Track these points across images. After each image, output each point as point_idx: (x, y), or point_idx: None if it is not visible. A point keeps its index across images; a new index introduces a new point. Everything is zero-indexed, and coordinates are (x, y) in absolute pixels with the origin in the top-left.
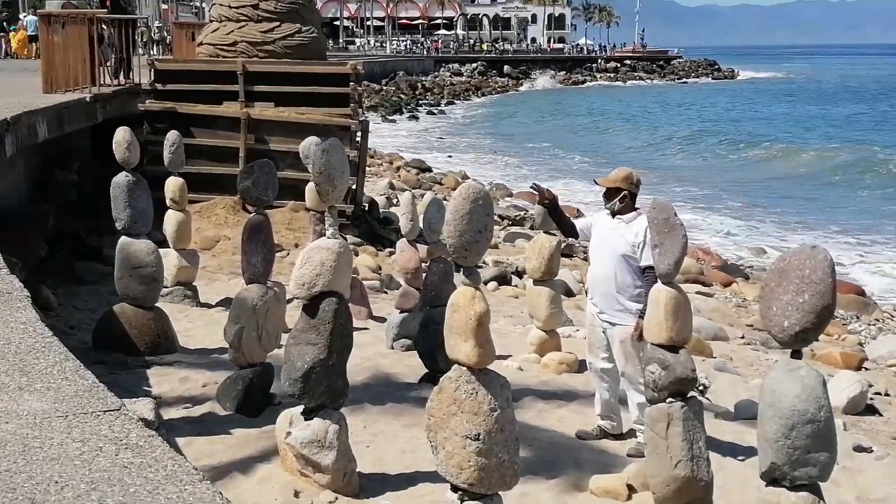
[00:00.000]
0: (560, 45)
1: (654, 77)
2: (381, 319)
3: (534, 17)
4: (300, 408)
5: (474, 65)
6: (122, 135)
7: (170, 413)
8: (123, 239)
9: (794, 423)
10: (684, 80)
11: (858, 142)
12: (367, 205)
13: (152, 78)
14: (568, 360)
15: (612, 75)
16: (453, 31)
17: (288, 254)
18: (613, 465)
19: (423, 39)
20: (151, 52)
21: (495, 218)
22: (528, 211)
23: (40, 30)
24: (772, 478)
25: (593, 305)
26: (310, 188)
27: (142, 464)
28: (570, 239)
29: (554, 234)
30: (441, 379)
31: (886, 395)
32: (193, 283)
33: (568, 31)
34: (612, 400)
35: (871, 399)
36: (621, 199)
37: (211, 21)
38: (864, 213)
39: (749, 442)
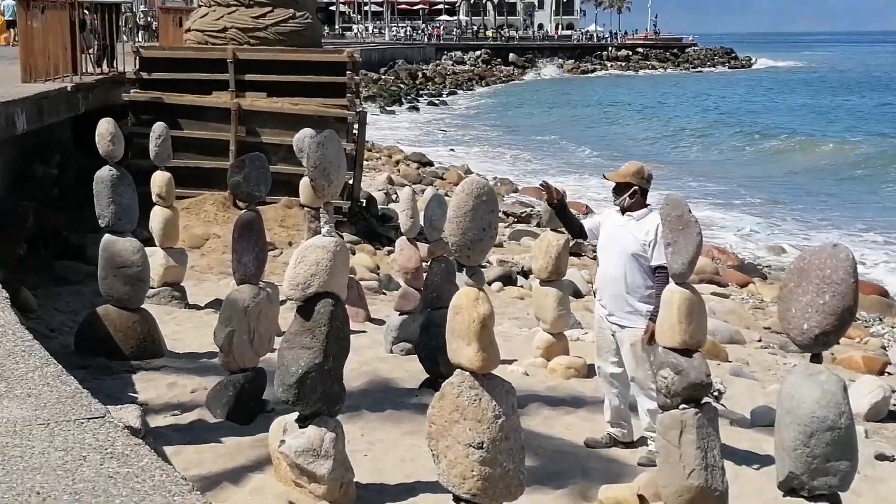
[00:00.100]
0: (568, 32)
1: (667, 66)
2: (380, 322)
3: (541, 3)
4: (294, 415)
5: (478, 53)
6: (105, 126)
7: (157, 420)
8: (107, 237)
9: (814, 430)
10: (699, 69)
11: (885, 135)
12: (364, 201)
13: (137, 66)
14: (576, 364)
15: (623, 64)
16: (456, 17)
17: (281, 253)
18: (623, 474)
19: (423, 26)
20: (136, 39)
21: (500, 215)
22: (534, 207)
23: (18, 15)
24: (790, 487)
25: (602, 307)
26: (304, 183)
27: (128, 474)
28: (578, 240)
29: (562, 232)
30: (443, 384)
31: None
32: (181, 284)
33: (577, 18)
34: (622, 406)
35: (895, 405)
36: (631, 194)
37: (199, 6)
38: (892, 209)
39: (766, 450)
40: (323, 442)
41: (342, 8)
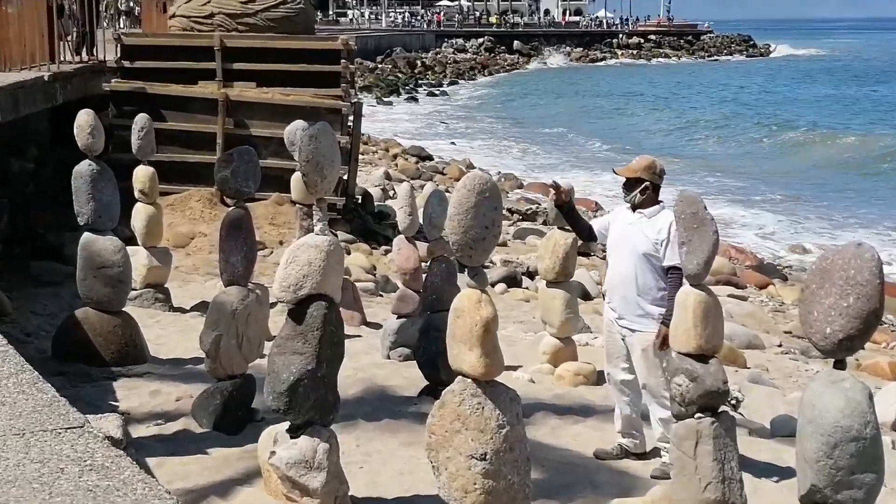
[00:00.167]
0: (576, 18)
1: (681, 54)
2: (377, 326)
3: None
4: (286, 424)
5: (480, 40)
6: (84, 118)
7: (139, 430)
8: (87, 235)
9: (837, 440)
10: (715, 57)
11: None
12: (360, 197)
13: (119, 54)
14: (585, 371)
15: (634, 52)
16: (457, 2)
17: (271, 252)
18: (635, 487)
19: (422, 11)
20: (118, 26)
21: (504, 212)
22: (540, 204)
23: None
24: (812, 502)
25: (611, 310)
26: (296, 179)
27: (108, 487)
28: (588, 242)
29: (570, 230)
30: (443, 392)
31: None
32: (165, 286)
33: (585, 3)
34: (633, 415)
35: None
36: (642, 190)
37: None
38: None
39: (787, 462)
40: (316, 453)
41: None
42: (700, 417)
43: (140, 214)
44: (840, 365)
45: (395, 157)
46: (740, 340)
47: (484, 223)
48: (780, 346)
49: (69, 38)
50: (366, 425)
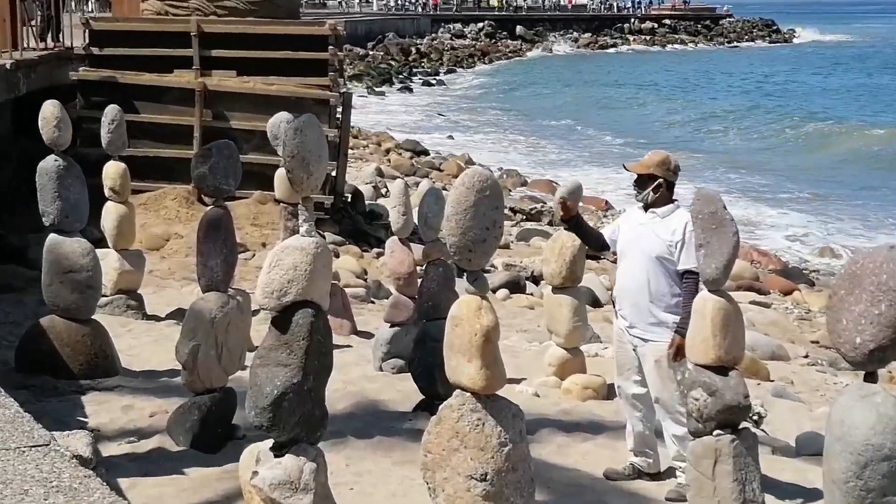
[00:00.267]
0: (584, 1)
1: (698, 40)
2: (368, 335)
3: None
4: (269, 442)
5: (480, 25)
6: (50, 110)
7: (110, 449)
8: (52, 237)
9: (868, 459)
10: (735, 43)
11: None
12: (349, 195)
13: (87, 41)
14: (594, 384)
15: (647, 38)
16: None
17: (253, 255)
18: None
19: None
20: (86, 9)
21: (506, 212)
22: (545, 203)
23: None
24: None
25: (622, 318)
26: (280, 175)
27: None
28: (602, 252)
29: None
30: (440, 407)
31: None
32: (138, 291)
33: None
34: (646, 432)
35: None
36: (655, 188)
37: None
38: None
39: (813, 483)
40: (302, 473)
41: None
42: (719, 435)
43: (110, 214)
44: (871, 378)
45: (387, 151)
46: (763, 351)
47: (484, 223)
48: (806, 357)
49: (33, 22)
50: (356, 443)
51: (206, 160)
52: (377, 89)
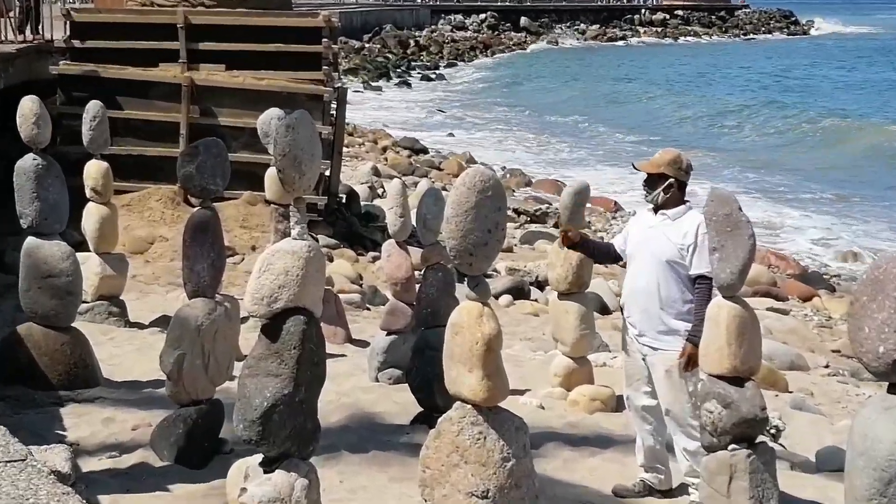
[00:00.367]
0: None
1: (712, 32)
2: (363, 343)
3: None
4: (258, 457)
5: (482, 16)
6: (28, 106)
7: (90, 464)
8: (30, 240)
9: (892, 476)
10: (752, 35)
11: None
12: (344, 196)
13: (68, 33)
14: (602, 395)
15: (659, 30)
16: None
17: (242, 259)
18: None
19: None
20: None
21: (509, 213)
22: (551, 204)
23: None
24: None
25: (631, 326)
26: (270, 175)
27: None
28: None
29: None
30: (439, 420)
31: None
32: (121, 297)
33: None
34: (657, 447)
35: None
36: (666, 188)
37: None
38: None
39: (834, 500)
40: (293, 490)
41: None
42: (734, 449)
43: (92, 216)
44: (895, 389)
45: (384, 149)
46: (781, 360)
47: (486, 226)
48: (826, 366)
49: (11, 14)
50: (350, 458)
51: (193, 159)
52: (374, 84)
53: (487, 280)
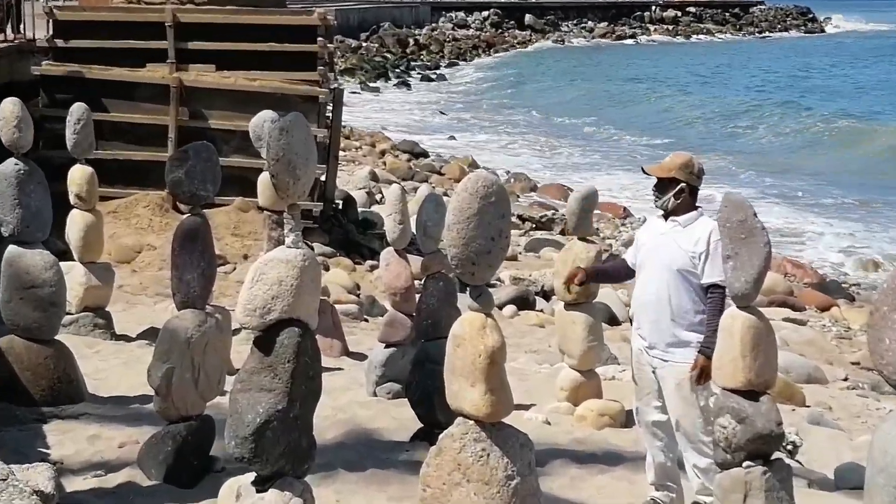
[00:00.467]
0: None
1: (726, 30)
2: (361, 356)
3: None
4: (251, 476)
5: (485, 14)
6: (9, 109)
7: (75, 483)
8: (12, 249)
9: None
10: (767, 33)
11: None
12: (340, 202)
13: (51, 32)
14: (611, 410)
15: (670, 28)
16: None
17: (234, 268)
18: None
19: None
20: None
21: (514, 220)
22: (557, 210)
23: None
24: None
25: (640, 338)
26: (263, 180)
27: None
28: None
29: (592, 242)
30: (440, 437)
31: None
32: (106, 309)
33: None
34: (668, 463)
35: None
36: (677, 193)
37: None
38: None
39: None
40: None
41: None
42: (749, 466)
43: (76, 224)
44: None
45: (382, 153)
46: (798, 373)
47: (489, 233)
48: (845, 379)
49: None
50: (347, 476)
51: (182, 164)
52: (371, 85)
53: (491, 290)
